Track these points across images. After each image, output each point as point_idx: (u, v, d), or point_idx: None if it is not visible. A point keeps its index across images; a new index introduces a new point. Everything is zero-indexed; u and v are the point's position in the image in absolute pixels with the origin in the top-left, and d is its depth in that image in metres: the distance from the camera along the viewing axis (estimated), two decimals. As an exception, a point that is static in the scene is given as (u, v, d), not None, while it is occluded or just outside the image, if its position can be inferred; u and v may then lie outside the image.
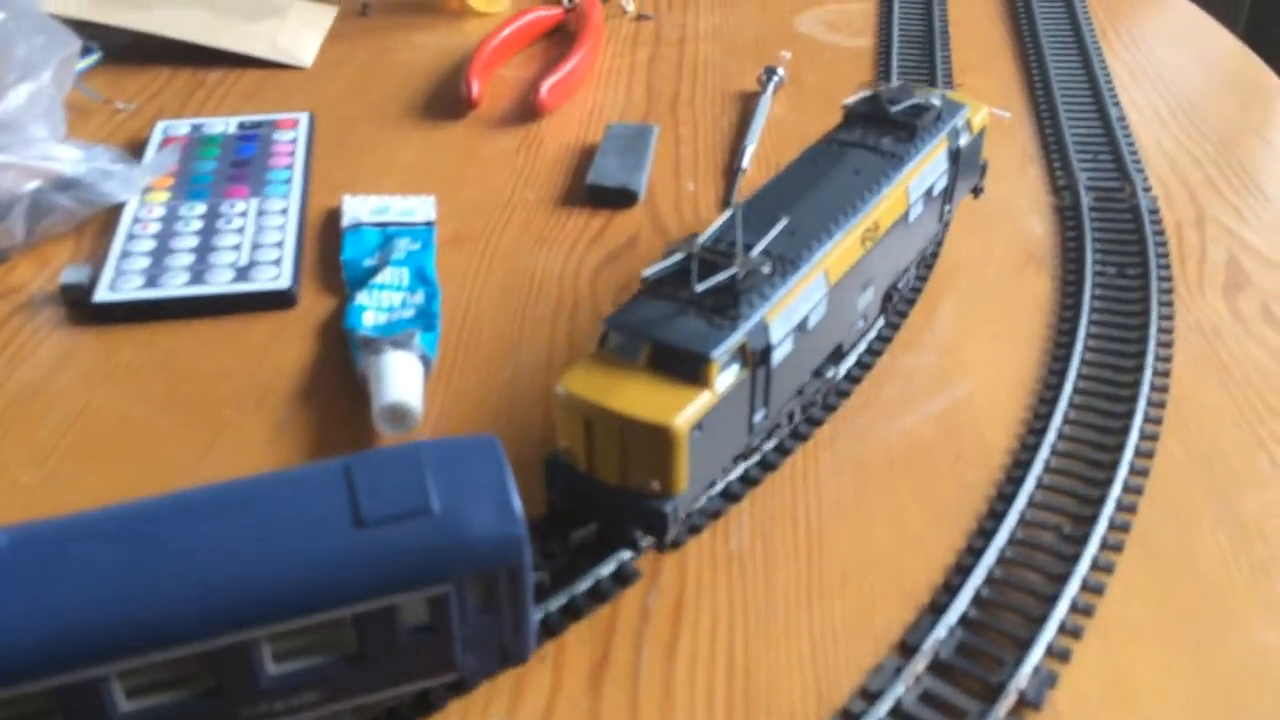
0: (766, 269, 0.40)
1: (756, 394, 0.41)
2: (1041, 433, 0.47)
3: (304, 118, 0.68)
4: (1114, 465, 0.45)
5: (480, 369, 0.51)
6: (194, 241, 0.57)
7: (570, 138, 0.70)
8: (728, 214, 0.43)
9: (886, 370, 0.51)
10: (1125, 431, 0.47)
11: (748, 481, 0.45)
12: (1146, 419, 0.48)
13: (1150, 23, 0.87)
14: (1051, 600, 0.40)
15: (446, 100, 0.73)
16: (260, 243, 0.57)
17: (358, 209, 0.60)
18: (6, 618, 0.29)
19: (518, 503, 0.32)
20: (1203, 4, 0.91)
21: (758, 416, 0.41)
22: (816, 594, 0.41)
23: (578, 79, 0.75)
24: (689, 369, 0.38)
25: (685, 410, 0.37)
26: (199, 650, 0.30)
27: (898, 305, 0.54)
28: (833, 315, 0.44)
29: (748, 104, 0.74)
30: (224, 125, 0.67)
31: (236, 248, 0.56)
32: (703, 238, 0.42)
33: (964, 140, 0.53)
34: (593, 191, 0.63)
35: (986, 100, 0.74)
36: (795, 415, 0.46)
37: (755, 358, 0.39)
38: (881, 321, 0.53)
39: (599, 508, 0.40)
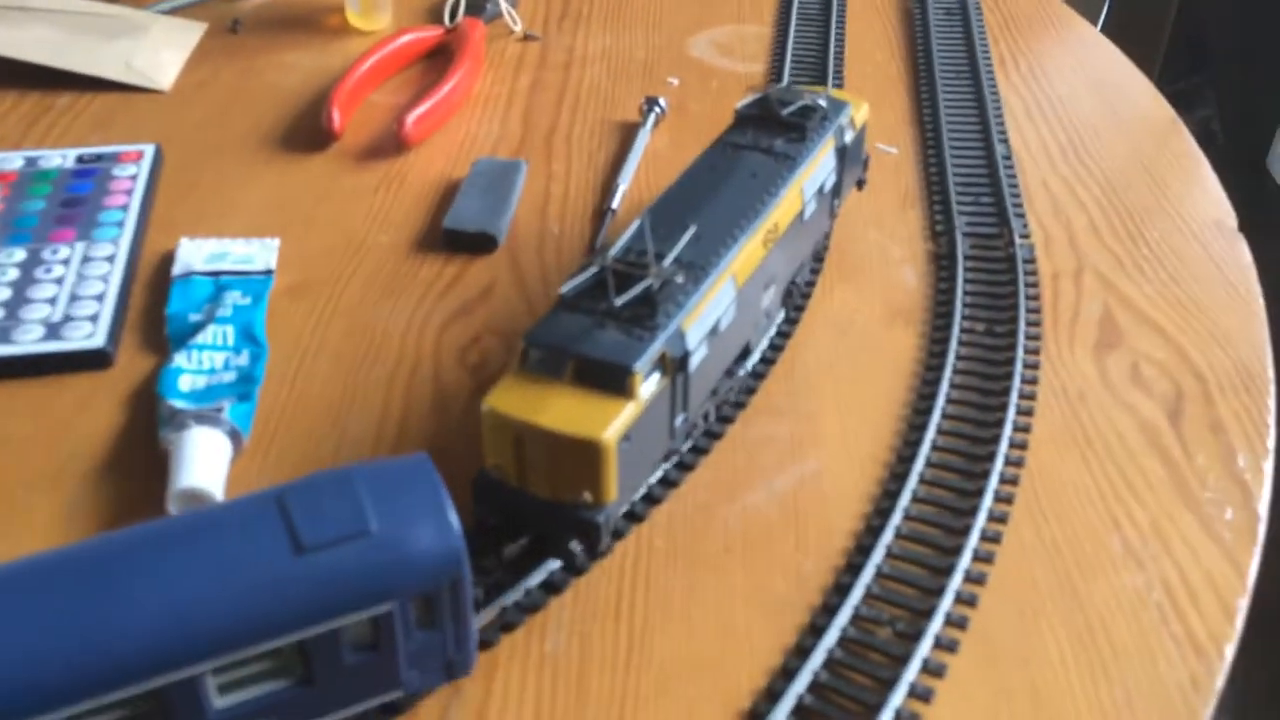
0: (680, 278, 0.42)
1: (677, 399, 0.42)
2: (887, 513, 0.45)
3: (149, 150, 0.64)
4: (958, 550, 0.43)
5: (302, 440, 0.48)
6: (6, 294, 0.53)
7: (435, 173, 0.66)
8: (635, 224, 0.44)
9: (737, 439, 0.49)
10: (973, 513, 0.45)
11: (571, 571, 0.42)
12: (997, 498, 0.46)
13: (1051, 50, 0.85)
14: (876, 709, 0.37)
15: (309, 130, 0.70)
16: (79, 294, 0.53)
17: (191, 255, 0.56)
18: None
19: (455, 518, 0.33)
20: (1120, 35, 0.89)
21: (678, 420, 0.43)
22: (631, 704, 0.38)
23: (449, 108, 0.71)
24: (613, 381, 0.39)
25: (614, 423, 0.38)
26: (143, 690, 0.30)
27: (796, 300, 0.56)
28: (741, 316, 0.46)
29: (628, 135, 0.71)
30: (61, 158, 0.63)
31: (52, 300, 0.53)
32: (614, 250, 0.43)
33: (849, 137, 0.55)
34: (449, 236, 0.60)
35: (876, 135, 0.72)
36: (710, 415, 0.48)
37: (674, 365, 0.41)
38: (782, 315, 0.54)
39: (531, 521, 0.41)
